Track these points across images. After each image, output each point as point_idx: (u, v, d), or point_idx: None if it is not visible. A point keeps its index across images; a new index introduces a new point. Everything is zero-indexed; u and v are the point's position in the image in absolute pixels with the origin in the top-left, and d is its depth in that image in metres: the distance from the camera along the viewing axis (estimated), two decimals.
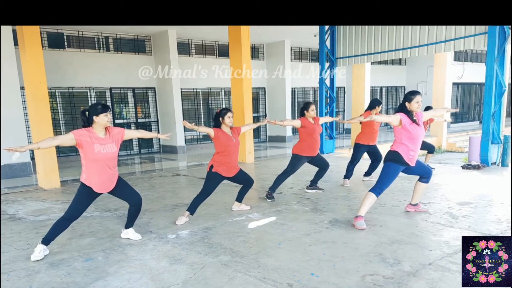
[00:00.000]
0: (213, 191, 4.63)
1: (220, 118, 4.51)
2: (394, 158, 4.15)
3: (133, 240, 4.02)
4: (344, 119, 7.09)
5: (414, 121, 4.11)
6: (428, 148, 7.29)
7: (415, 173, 4.43)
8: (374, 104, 6.14)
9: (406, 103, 4.13)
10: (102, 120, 3.54)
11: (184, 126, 11.85)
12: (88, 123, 3.56)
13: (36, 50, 6.63)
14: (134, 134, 4.26)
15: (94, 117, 3.52)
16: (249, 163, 9.20)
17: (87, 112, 3.57)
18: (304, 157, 5.52)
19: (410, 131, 4.08)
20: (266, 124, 14.97)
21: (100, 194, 3.73)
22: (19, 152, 3.11)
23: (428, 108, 6.33)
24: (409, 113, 4.11)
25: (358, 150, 6.30)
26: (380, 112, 6.38)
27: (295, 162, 5.54)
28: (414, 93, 4.13)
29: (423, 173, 4.45)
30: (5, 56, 7.77)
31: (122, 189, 3.83)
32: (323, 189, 5.99)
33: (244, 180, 4.81)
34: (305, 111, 5.45)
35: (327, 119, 6.17)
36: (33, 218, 5.04)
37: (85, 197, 3.65)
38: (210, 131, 4.47)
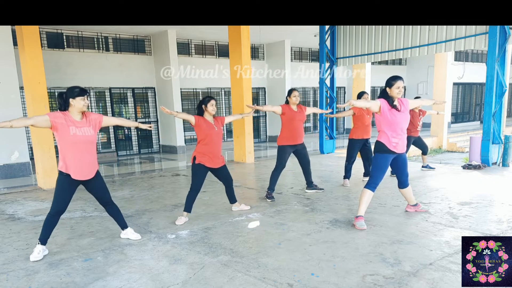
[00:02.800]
0: (202, 184, 4.58)
1: (203, 106, 4.47)
2: (380, 148, 4.13)
3: (133, 240, 4.01)
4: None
5: (393, 107, 4.03)
6: (421, 147, 7.29)
7: (397, 170, 4.37)
8: (360, 96, 6.14)
9: (387, 89, 4.06)
10: (79, 103, 3.50)
11: (183, 126, 12.01)
12: (64, 106, 3.53)
13: (36, 50, 6.62)
14: (113, 121, 4.13)
15: (71, 100, 3.50)
16: (249, 163, 9.19)
17: (64, 95, 3.53)
18: (287, 147, 5.47)
19: (387, 117, 4.01)
20: (266, 124, 15.00)
21: (80, 183, 3.64)
22: None
23: (417, 98, 6.31)
24: (389, 99, 4.05)
25: (352, 146, 6.27)
26: None
27: (281, 154, 5.52)
28: (395, 78, 4.04)
29: (401, 174, 4.38)
30: (4, 56, 7.77)
31: (98, 185, 3.77)
32: (323, 189, 5.98)
33: (224, 177, 4.75)
34: (288, 98, 5.45)
35: (315, 110, 6.12)
36: (32, 218, 5.04)
37: (65, 186, 3.57)
38: (191, 118, 4.42)
